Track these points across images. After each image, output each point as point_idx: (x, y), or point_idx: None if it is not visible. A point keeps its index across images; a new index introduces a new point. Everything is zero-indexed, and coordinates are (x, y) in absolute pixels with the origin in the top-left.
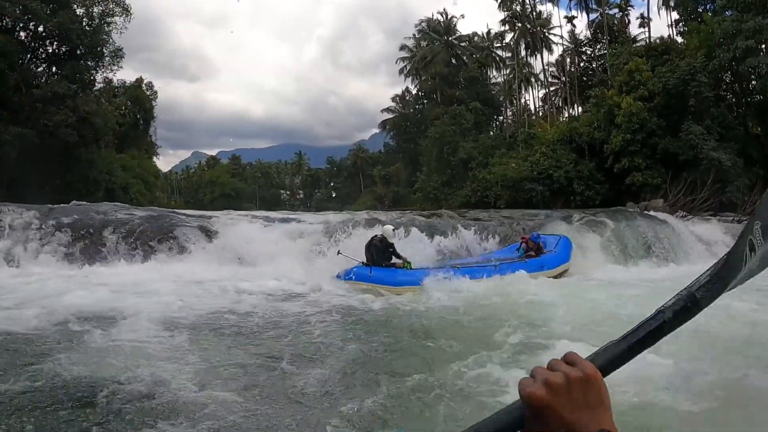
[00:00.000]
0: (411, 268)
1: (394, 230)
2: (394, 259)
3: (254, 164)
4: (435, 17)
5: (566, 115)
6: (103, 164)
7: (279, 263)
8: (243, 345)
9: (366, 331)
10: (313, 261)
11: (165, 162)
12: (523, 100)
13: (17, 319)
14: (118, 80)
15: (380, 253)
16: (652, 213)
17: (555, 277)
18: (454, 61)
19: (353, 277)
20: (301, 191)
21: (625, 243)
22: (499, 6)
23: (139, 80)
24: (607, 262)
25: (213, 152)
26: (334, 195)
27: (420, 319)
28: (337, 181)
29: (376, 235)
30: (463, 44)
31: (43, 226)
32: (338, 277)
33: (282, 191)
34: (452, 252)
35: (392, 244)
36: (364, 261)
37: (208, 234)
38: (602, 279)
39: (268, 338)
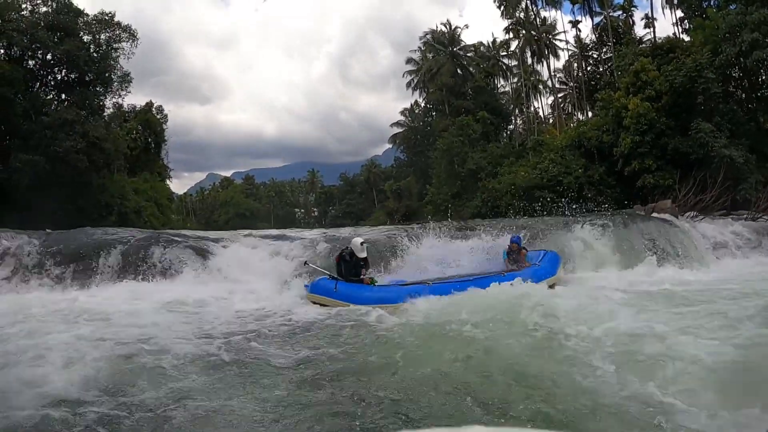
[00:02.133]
0: (375, 284)
1: (362, 244)
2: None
3: (268, 183)
4: (439, 28)
5: (578, 119)
6: (115, 188)
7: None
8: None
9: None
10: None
11: (181, 184)
12: (532, 108)
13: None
14: (128, 105)
15: (349, 267)
16: (658, 215)
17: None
18: (459, 71)
19: (318, 291)
20: (315, 209)
21: (626, 247)
22: (502, 14)
23: (149, 104)
24: (607, 266)
25: (228, 173)
26: (348, 211)
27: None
28: (350, 197)
29: (346, 248)
30: (469, 54)
31: (37, 252)
32: (306, 287)
33: (296, 209)
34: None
35: (363, 259)
36: (333, 274)
37: (203, 255)
38: (599, 285)
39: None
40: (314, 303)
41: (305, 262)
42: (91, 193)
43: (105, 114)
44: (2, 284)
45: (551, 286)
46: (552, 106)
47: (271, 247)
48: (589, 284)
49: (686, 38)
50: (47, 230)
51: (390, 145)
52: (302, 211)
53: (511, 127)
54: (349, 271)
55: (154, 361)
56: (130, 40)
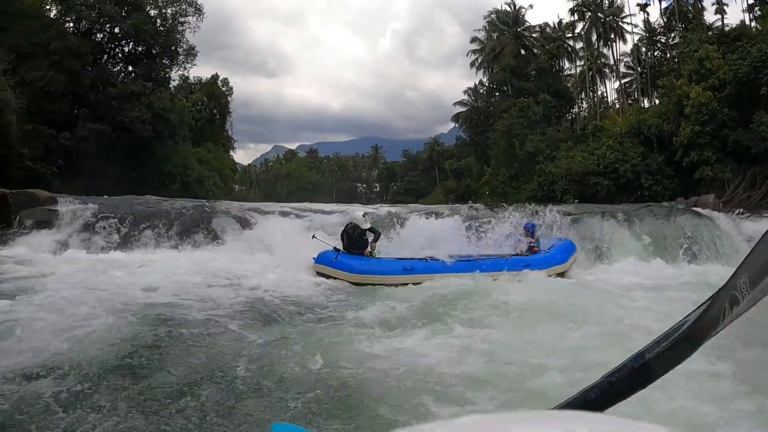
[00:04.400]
0: (374, 257)
1: (364, 215)
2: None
3: (331, 157)
4: (503, 8)
5: (640, 105)
6: (179, 158)
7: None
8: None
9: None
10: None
11: (246, 155)
12: (598, 92)
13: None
14: (194, 77)
15: (352, 240)
16: (700, 209)
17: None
18: (523, 52)
19: (321, 262)
20: (377, 184)
21: (656, 240)
22: None
23: (215, 77)
24: (631, 258)
25: (293, 146)
26: (409, 188)
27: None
28: (412, 174)
29: (350, 223)
30: (533, 35)
31: (93, 216)
32: (314, 259)
33: (358, 184)
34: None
35: (365, 231)
36: (339, 247)
37: (244, 225)
38: (609, 278)
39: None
40: (319, 273)
41: (313, 236)
42: (155, 162)
43: (171, 86)
44: (61, 246)
45: (560, 275)
46: (618, 91)
47: (305, 221)
48: (606, 276)
49: (758, 25)
50: (105, 196)
51: (454, 124)
52: (364, 186)
53: (575, 110)
54: (352, 244)
55: (179, 323)
56: (196, 15)
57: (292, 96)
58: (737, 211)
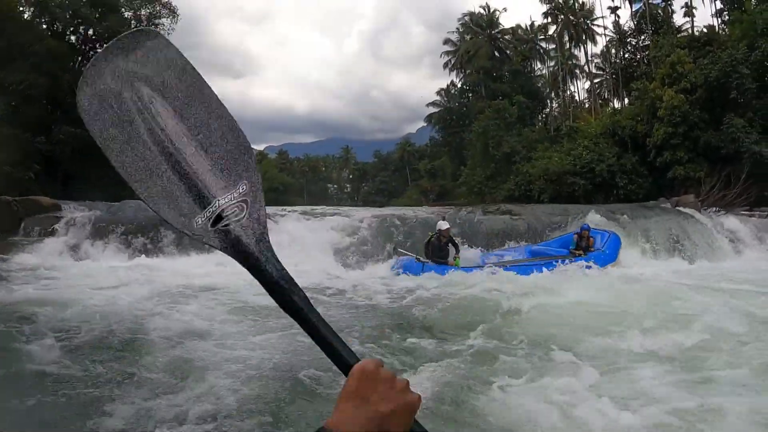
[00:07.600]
0: (459, 266)
1: (448, 229)
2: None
3: (302, 159)
4: (477, 11)
5: (614, 107)
6: None
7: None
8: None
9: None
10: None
11: None
12: (569, 92)
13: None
14: None
15: (436, 249)
16: (682, 208)
17: None
18: (497, 54)
19: (406, 272)
20: (348, 185)
21: (648, 238)
22: None
23: None
24: (631, 256)
25: (261, 147)
26: (381, 188)
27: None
28: (384, 174)
29: (434, 233)
30: (506, 37)
31: (101, 222)
32: (393, 270)
33: (330, 185)
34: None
35: (451, 239)
36: (420, 257)
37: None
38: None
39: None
40: None
41: (394, 248)
42: None
43: None
44: (71, 253)
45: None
46: (588, 91)
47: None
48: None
49: (727, 30)
50: (106, 203)
51: (424, 124)
52: (335, 187)
53: (547, 110)
54: (435, 253)
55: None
56: (170, 17)
57: (259, 97)
58: (714, 209)
